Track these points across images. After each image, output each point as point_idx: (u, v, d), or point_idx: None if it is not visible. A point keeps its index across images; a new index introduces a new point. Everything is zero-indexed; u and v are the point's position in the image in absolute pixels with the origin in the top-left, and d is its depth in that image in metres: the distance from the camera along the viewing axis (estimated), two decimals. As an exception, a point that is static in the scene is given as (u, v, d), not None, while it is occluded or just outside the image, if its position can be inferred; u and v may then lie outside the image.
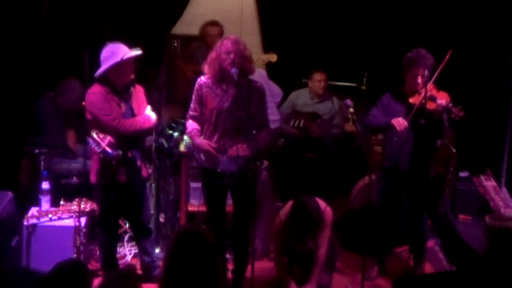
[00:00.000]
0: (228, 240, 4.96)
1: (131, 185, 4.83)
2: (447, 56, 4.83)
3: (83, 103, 4.77)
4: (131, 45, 4.74)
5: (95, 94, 4.67)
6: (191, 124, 4.76)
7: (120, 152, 4.59)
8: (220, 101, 4.62)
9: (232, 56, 4.51)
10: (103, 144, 4.50)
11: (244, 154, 4.53)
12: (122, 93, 4.76)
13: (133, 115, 4.77)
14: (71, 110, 5.78)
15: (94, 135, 4.53)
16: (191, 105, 4.77)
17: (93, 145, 4.51)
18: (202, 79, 4.71)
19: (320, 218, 4.82)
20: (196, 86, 4.73)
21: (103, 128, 4.61)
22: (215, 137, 4.66)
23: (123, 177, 4.73)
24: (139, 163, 4.83)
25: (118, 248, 5.32)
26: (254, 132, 4.51)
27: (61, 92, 5.78)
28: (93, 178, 4.78)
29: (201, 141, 4.67)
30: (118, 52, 4.63)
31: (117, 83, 4.72)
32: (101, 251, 5.10)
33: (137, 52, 4.71)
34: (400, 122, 4.89)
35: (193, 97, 4.75)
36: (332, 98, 6.69)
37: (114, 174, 4.66)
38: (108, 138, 4.54)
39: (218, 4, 7.30)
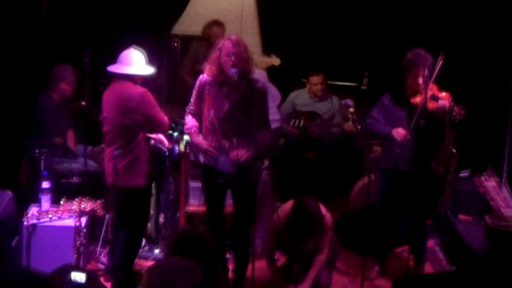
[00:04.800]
0: (228, 240, 4.96)
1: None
2: (441, 60, 4.84)
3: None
4: (130, 44, 4.72)
5: (147, 92, 4.50)
6: (190, 120, 4.73)
7: None
8: (220, 104, 4.59)
9: (233, 58, 4.49)
10: (166, 143, 4.44)
11: (244, 158, 4.53)
12: None
13: None
14: (69, 98, 5.71)
15: (151, 136, 4.43)
16: (191, 100, 4.73)
17: (159, 146, 4.39)
18: (205, 76, 4.66)
19: (320, 220, 4.79)
20: (198, 82, 4.69)
21: (156, 127, 4.54)
22: (215, 139, 4.63)
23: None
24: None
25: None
26: (253, 132, 4.50)
27: (56, 77, 5.69)
28: (141, 182, 4.54)
29: (200, 140, 4.66)
30: (138, 64, 4.58)
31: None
32: (125, 252, 4.72)
33: (151, 70, 4.64)
34: (399, 133, 4.93)
35: (194, 92, 4.70)
36: (332, 96, 6.68)
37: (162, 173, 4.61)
38: (161, 137, 4.53)
39: (218, 4, 7.29)
